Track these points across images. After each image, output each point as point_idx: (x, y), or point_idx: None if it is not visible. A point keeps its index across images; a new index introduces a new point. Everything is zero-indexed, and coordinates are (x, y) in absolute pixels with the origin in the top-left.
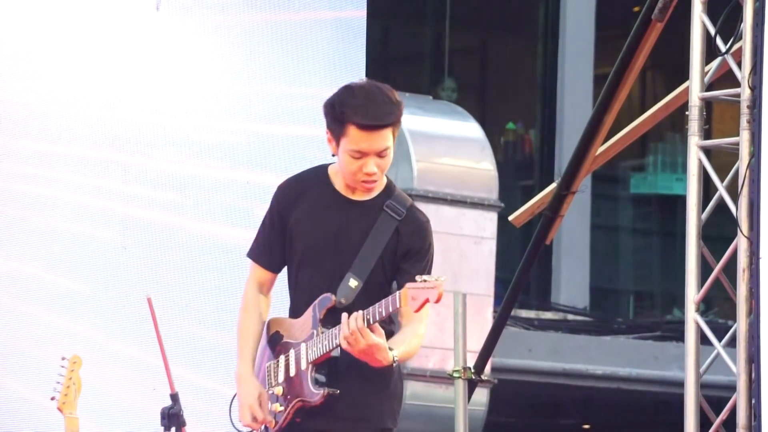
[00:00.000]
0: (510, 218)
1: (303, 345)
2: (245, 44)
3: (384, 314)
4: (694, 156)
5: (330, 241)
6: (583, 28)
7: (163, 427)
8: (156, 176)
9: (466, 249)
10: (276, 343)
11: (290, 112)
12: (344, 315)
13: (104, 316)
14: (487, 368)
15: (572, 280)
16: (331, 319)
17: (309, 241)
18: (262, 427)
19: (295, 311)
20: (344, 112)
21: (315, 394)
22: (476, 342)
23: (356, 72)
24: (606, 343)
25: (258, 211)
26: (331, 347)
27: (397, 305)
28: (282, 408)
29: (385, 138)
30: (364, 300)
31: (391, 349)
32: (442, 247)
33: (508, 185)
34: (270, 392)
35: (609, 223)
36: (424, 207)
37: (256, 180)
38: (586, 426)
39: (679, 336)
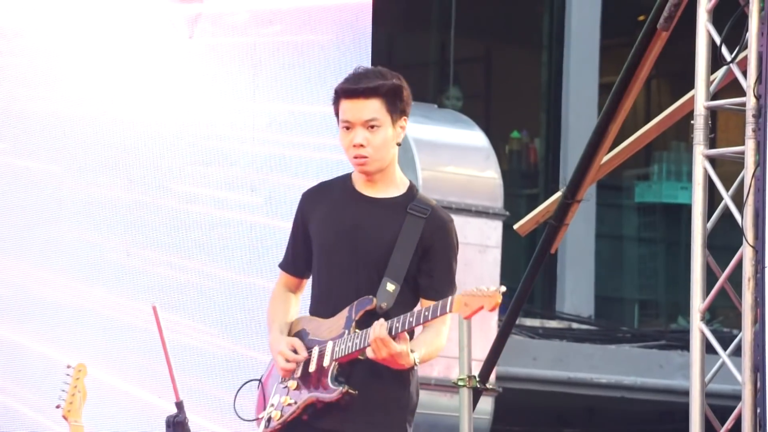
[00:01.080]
0: (515, 227)
1: (330, 343)
2: (260, 65)
3: (429, 320)
4: (700, 165)
5: (345, 235)
6: (588, 36)
7: None
8: (161, 184)
9: (470, 257)
10: (301, 339)
11: (297, 126)
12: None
13: (109, 324)
14: (492, 377)
15: (577, 289)
16: (368, 322)
17: (326, 237)
18: (264, 421)
19: (316, 308)
20: (337, 85)
21: (332, 390)
22: (481, 350)
23: None
24: (611, 352)
25: (262, 219)
26: (359, 347)
27: (447, 311)
28: (292, 401)
29: (371, 108)
30: (399, 304)
31: (412, 351)
32: None
33: (513, 194)
34: (283, 386)
35: (614, 232)
36: None
37: (261, 188)
38: None
39: (684, 345)
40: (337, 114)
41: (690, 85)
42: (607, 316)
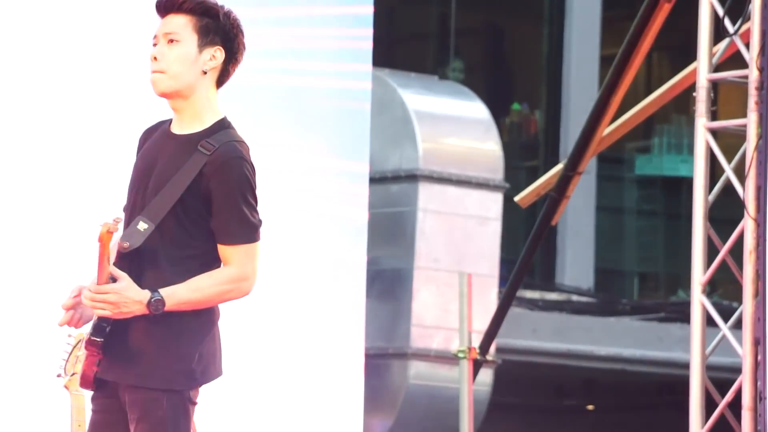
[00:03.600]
0: (516, 199)
1: None
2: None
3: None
4: (702, 137)
5: (140, 176)
6: (589, 8)
7: None
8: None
9: (470, 229)
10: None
11: (298, 106)
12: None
13: None
14: (492, 348)
15: (577, 262)
16: (124, 267)
17: (131, 179)
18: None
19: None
20: None
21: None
22: (481, 322)
23: (364, 55)
24: (610, 324)
25: None
26: None
27: (98, 241)
28: (80, 353)
29: (174, 23)
30: (159, 246)
31: (155, 291)
32: (446, 228)
33: (513, 166)
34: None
35: (614, 205)
36: (429, 187)
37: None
38: (590, 407)
39: (683, 317)
40: None
41: (690, 58)
42: (607, 288)
